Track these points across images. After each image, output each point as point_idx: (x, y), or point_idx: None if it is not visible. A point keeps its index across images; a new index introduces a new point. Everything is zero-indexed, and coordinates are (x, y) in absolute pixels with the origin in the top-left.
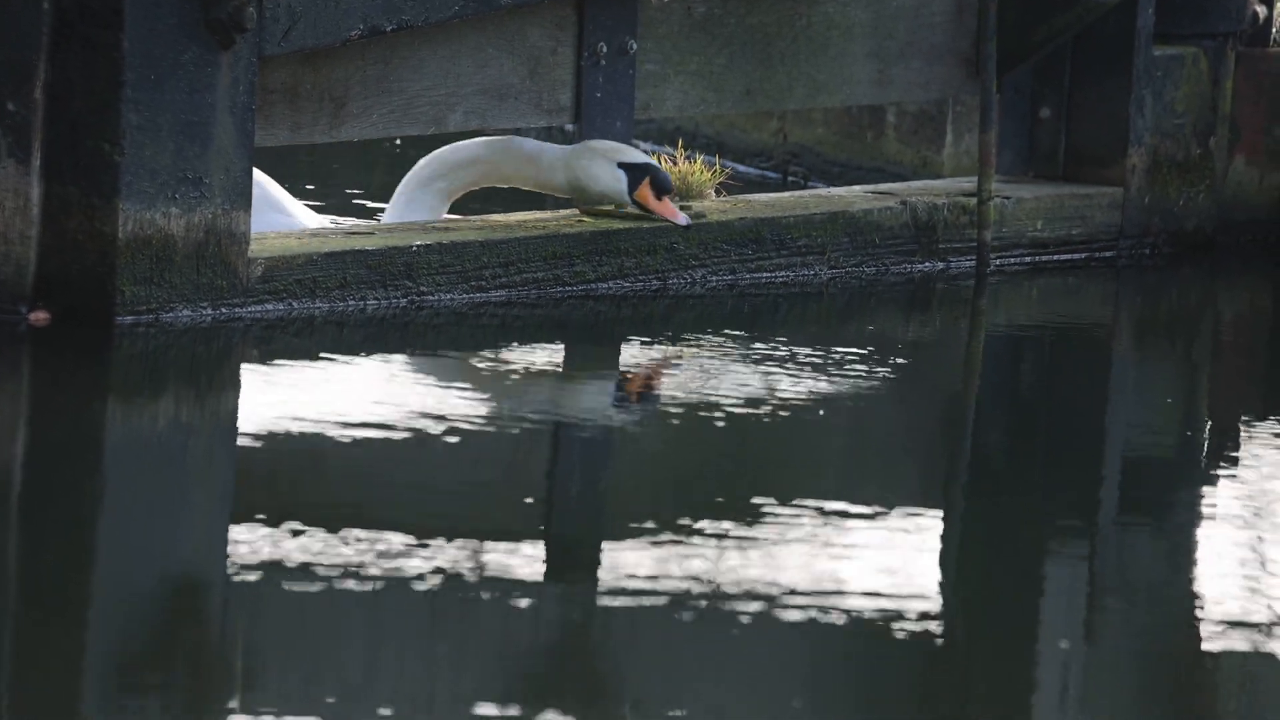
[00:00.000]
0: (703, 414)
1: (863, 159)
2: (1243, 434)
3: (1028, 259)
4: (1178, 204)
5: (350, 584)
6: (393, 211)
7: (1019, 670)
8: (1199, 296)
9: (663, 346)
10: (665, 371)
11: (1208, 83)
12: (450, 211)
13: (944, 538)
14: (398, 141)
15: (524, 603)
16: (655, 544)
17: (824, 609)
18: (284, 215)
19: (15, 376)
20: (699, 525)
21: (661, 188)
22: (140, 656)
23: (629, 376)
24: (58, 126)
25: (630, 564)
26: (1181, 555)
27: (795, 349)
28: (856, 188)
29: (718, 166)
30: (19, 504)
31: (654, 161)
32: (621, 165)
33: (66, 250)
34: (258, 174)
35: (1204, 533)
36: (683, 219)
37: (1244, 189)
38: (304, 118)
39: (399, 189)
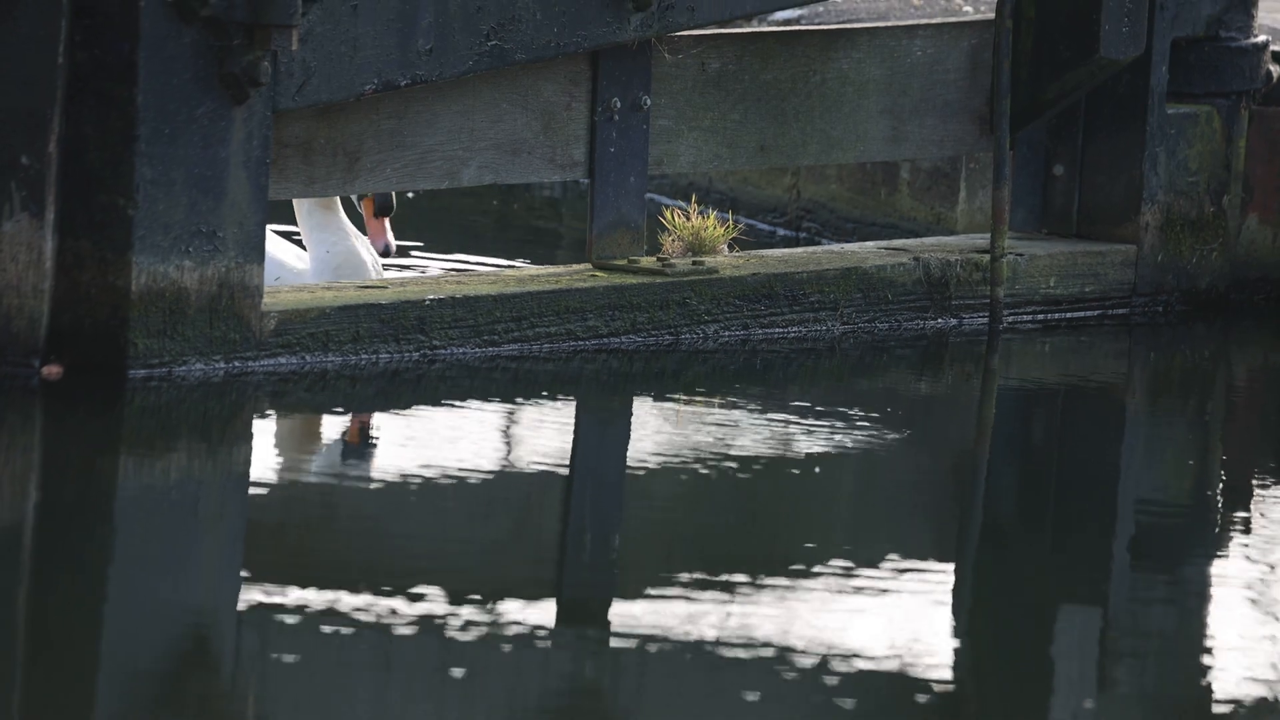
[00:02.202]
0: (714, 469)
1: (876, 215)
2: (1255, 492)
3: (1040, 316)
4: (1191, 262)
5: (361, 638)
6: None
7: None
8: (1212, 354)
9: (674, 402)
10: (677, 427)
11: (1221, 141)
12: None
13: (955, 594)
14: (410, 194)
15: (534, 657)
16: (665, 599)
17: (834, 665)
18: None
19: (28, 430)
20: (709, 581)
21: (381, 207)
22: (150, 710)
23: (640, 432)
24: (72, 180)
25: (640, 619)
26: (1193, 613)
27: (807, 405)
28: (869, 244)
29: (731, 222)
30: (31, 557)
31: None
32: None
33: (79, 303)
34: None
35: (1216, 590)
36: (381, 243)
37: (1257, 247)
38: (318, 171)
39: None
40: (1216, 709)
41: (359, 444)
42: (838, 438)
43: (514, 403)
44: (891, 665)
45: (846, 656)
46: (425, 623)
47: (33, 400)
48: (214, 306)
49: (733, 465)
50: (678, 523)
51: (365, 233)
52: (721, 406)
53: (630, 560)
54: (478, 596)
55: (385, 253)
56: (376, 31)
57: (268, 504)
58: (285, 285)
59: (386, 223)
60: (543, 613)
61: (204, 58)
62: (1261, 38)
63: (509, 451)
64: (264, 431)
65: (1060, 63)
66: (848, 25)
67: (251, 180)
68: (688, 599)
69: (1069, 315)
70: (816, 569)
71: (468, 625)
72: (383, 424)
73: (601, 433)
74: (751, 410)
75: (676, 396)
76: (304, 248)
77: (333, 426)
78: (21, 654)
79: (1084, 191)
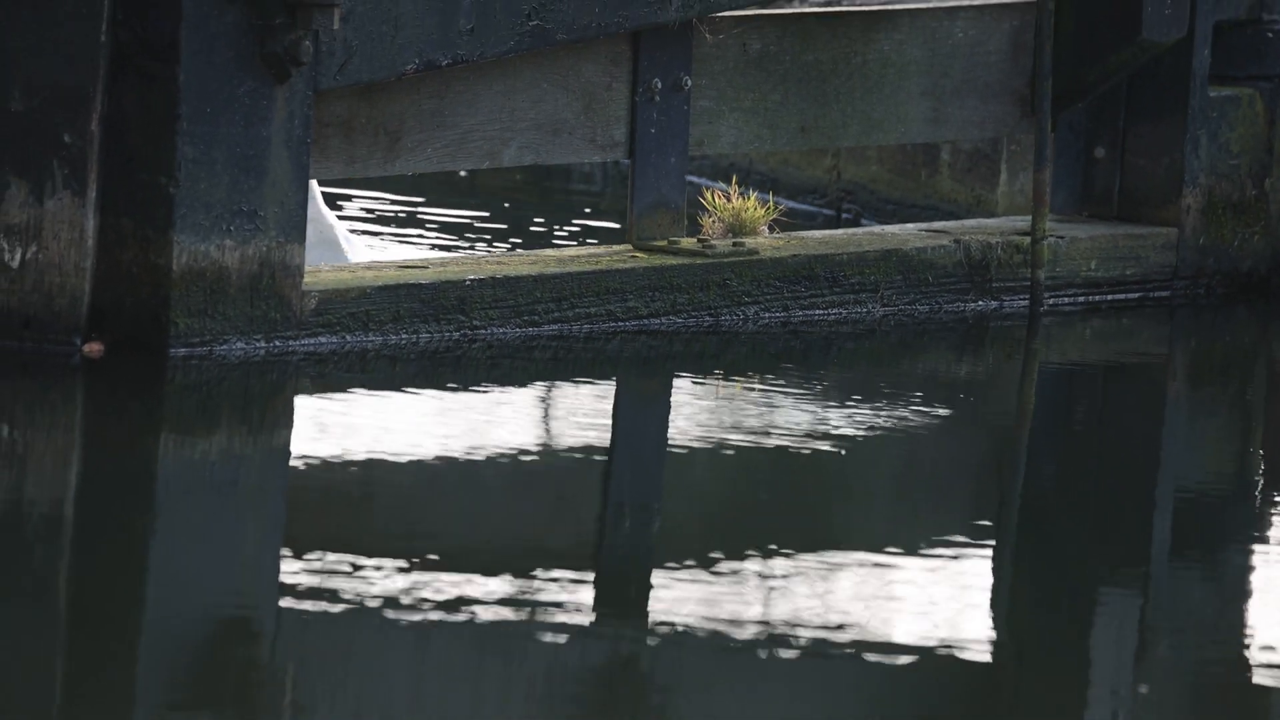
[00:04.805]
0: (754, 451)
1: (916, 197)
2: None
3: (1081, 299)
4: (1233, 245)
5: (400, 617)
6: None
7: (1069, 711)
8: (1253, 338)
9: (714, 383)
10: (716, 408)
11: (1263, 124)
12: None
13: (995, 576)
14: (462, 173)
15: (573, 636)
16: (704, 578)
17: (873, 646)
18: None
19: (69, 408)
20: (748, 561)
21: None
22: (190, 688)
23: (679, 413)
24: (114, 159)
25: (679, 598)
26: (1234, 595)
27: (847, 386)
28: (910, 226)
29: (771, 203)
30: (72, 535)
31: None
32: None
33: (121, 282)
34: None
35: (1257, 573)
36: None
37: None
38: (359, 151)
39: None
40: (1258, 690)
41: (399, 424)
42: (878, 419)
43: (554, 383)
44: (932, 646)
45: (886, 636)
46: (463, 602)
47: (74, 378)
48: (255, 285)
49: (773, 446)
50: (717, 503)
51: None
52: (761, 388)
53: (669, 540)
54: (517, 576)
55: None
56: (418, 11)
57: (308, 483)
58: (326, 265)
59: None
60: (582, 593)
61: (246, 37)
62: None
63: (549, 432)
64: (304, 410)
65: (1102, 44)
66: (889, 7)
67: (293, 159)
68: (727, 579)
69: (1110, 298)
70: (856, 550)
71: (507, 604)
72: (423, 404)
73: (641, 413)
74: (791, 392)
75: (716, 378)
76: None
77: (373, 406)
78: (63, 632)
79: (1125, 174)
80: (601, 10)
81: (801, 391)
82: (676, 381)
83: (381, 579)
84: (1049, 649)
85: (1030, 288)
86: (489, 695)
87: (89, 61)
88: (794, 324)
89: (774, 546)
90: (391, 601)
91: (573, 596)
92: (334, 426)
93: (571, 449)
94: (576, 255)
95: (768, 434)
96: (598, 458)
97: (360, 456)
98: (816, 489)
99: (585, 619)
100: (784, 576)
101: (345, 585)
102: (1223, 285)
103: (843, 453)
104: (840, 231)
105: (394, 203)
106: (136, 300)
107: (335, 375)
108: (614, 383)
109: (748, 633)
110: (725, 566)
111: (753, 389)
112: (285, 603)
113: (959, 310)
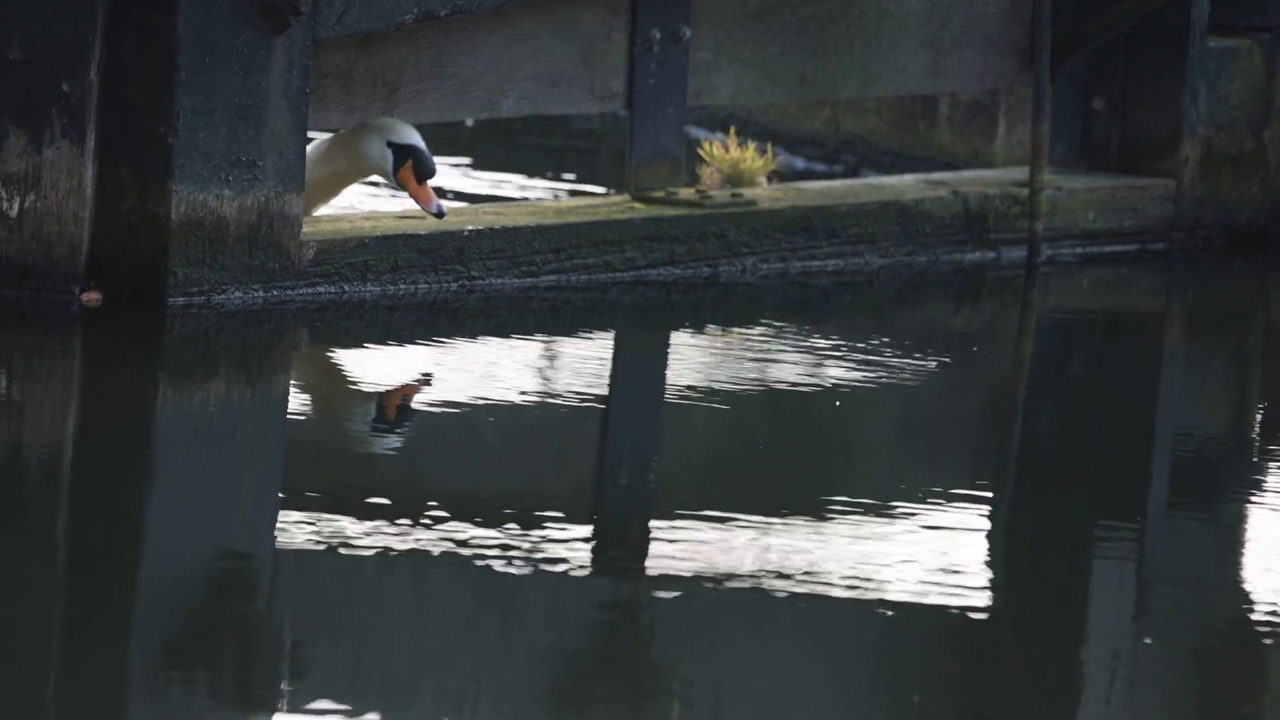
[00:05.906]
0: (752, 401)
1: (915, 149)
2: None
3: (1079, 250)
4: (1231, 197)
5: (398, 567)
6: None
7: (1066, 663)
8: (1251, 290)
9: (712, 334)
10: (713, 359)
11: (1262, 75)
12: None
13: (993, 527)
14: (469, 122)
15: (572, 587)
16: (703, 529)
17: (870, 599)
18: None
19: (67, 357)
20: (746, 512)
21: (422, 172)
22: (188, 637)
23: (677, 364)
24: (112, 108)
25: (678, 549)
26: (1231, 548)
27: (845, 338)
28: (908, 177)
29: (770, 154)
30: (70, 485)
31: (421, 145)
32: (390, 144)
33: (119, 232)
34: None
35: (1254, 525)
36: (434, 206)
37: None
38: (358, 101)
39: None
40: (1255, 640)
41: (397, 374)
42: (876, 370)
43: (552, 334)
44: (930, 597)
45: (885, 587)
46: (461, 553)
47: (72, 327)
48: (253, 235)
49: (770, 397)
50: (715, 454)
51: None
52: (759, 339)
53: (668, 491)
54: (515, 527)
55: (440, 215)
56: None
57: (306, 432)
58: (324, 215)
59: (429, 186)
60: (579, 544)
61: None
62: None
63: (547, 382)
64: (302, 360)
65: None
66: None
67: (291, 109)
68: (725, 529)
69: (1107, 249)
70: (855, 500)
71: (505, 555)
72: (421, 354)
73: (639, 364)
74: (789, 343)
75: (714, 329)
76: None
77: (371, 356)
78: (61, 582)
79: (1124, 126)
80: None
81: (799, 342)
82: (674, 333)
83: (380, 528)
84: (1047, 599)
85: (1028, 239)
86: (488, 645)
87: (87, 11)
88: (792, 275)
89: (773, 498)
90: (390, 551)
91: (572, 547)
92: (332, 376)
93: (570, 400)
94: (575, 206)
95: (765, 385)
96: (596, 408)
97: (358, 407)
98: (814, 440)
99: (584, 570)
100: (783, 527)
101: (343, 534)
102: (1220, 237)
103: (840, 403)
104: (838, 183)
105: None
106: (135, 249)
107: (333, 325)
108: (612, 334)
109: (747, 583)
110: (724, 517)
111: (750, 341)
112: (283, 551)
113: (957, 261)
